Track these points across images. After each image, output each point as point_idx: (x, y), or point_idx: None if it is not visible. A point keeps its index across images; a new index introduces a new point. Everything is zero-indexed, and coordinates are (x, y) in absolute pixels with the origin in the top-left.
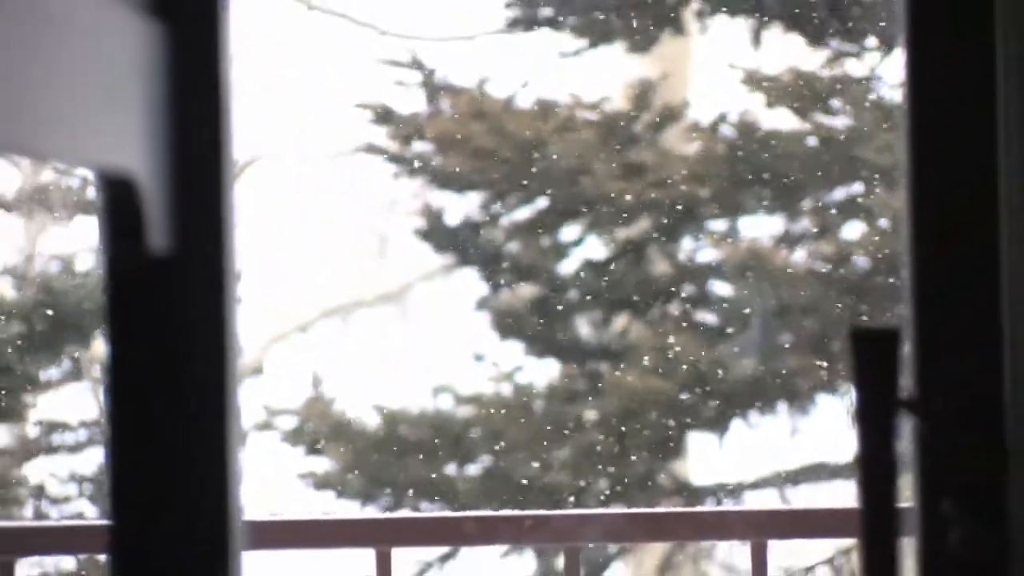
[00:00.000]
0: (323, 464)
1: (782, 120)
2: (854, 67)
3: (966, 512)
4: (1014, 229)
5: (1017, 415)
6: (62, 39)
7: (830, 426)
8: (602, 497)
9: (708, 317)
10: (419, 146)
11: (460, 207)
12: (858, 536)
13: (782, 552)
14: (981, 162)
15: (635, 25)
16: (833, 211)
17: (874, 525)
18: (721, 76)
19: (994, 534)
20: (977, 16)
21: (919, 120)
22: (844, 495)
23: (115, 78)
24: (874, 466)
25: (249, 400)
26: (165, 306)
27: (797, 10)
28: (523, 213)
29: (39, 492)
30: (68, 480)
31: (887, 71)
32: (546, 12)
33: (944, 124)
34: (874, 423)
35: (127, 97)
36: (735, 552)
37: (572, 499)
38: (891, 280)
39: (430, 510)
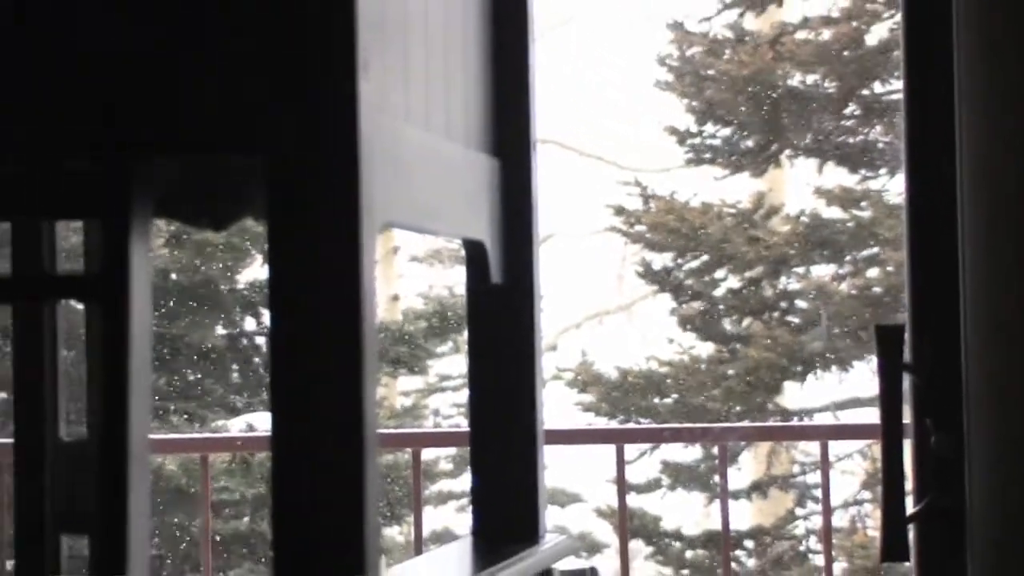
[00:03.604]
0: (587, 398)
1: (834, 212)
2: (874, 183)
3: (939, 425)
4: (968, 274)
5: (968, 373)
6: (449, 170)
7: (862, 379)
8: (737, 416)
9: (795, 319)
10: (639, 227)
11: (660, 260)
12: (880, 438)
13: (835, 446)
14: (948, 236)
15: (754, 162)
16: (863, 262)
17: (889, 432)
18: (801, 189)
19: (955, 439)
20: (944, 154)
21: (913, 212)
22: (871, 416)
23: (475, 190)
24: (888, 399)
25: (547, 363)
26: (501, 311)
27: (842, 152)
28: (694, 264)
29: (436, 412)
30: (452, 406)
31: (893, 185)
32: (707, 156)
33: (927, 213)
34: (888, 377)
35: (480, 199)
36: (810, 446)
37: (721, 417)
38: (896, 299)
39: (644, 423)
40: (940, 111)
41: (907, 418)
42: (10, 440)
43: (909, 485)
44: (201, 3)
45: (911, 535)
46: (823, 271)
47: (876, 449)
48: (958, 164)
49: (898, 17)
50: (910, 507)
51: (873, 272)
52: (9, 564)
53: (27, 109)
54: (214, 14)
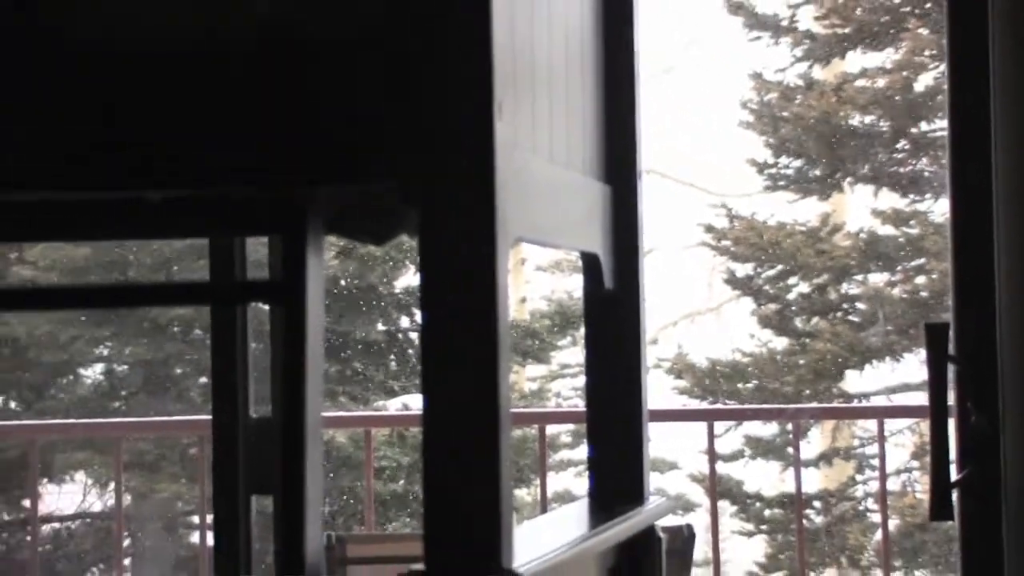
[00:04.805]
0: (682, 383)
1: (888, 230)
2: (921, 206)
3: (979, 406)
4: (1003, 281)
5: (1003, 364)
6: (569, 195)
7: (911, 368)
8: (807, 398)
9: (855, 318)
10: (725, 243)
11: (743, 269)
12: (928, 417)
13: (889, 424)
14: (986, 249)
15: (821, 188)
16: (912, 271)
17: (936, 410)
18: (860, 211)
19: (992, 419)
20: (982, 180)
21: (956, 229)
22: (919, 398)
23: (590, 210)
24: (935, 385)
25: (650, 355)
26: (612, 311)
27: (894, 180)
28: (771, 272)
29: (557, 395)
30: (571, 389)
31: (938, 207)
32: (781, 183)
33: (968, 230)
34: (935, 367)
35: (594, 218)
36: (868, 424)
37: (794, 399)
38: (940, 302)
39: (730, 404)
40: (978, 145)
41: (951, 401)
42: (209, 417)
43: (953, 456)
44: (370, 69)
45: (955, 499)
46: (879, 278)
47: (924, 426)
48: (994, 189)
49: (943, 67)
50: (954, 475)
51: (921, 279)
52: (209, 519)
53: (227, 147)
54: (380, 77)
